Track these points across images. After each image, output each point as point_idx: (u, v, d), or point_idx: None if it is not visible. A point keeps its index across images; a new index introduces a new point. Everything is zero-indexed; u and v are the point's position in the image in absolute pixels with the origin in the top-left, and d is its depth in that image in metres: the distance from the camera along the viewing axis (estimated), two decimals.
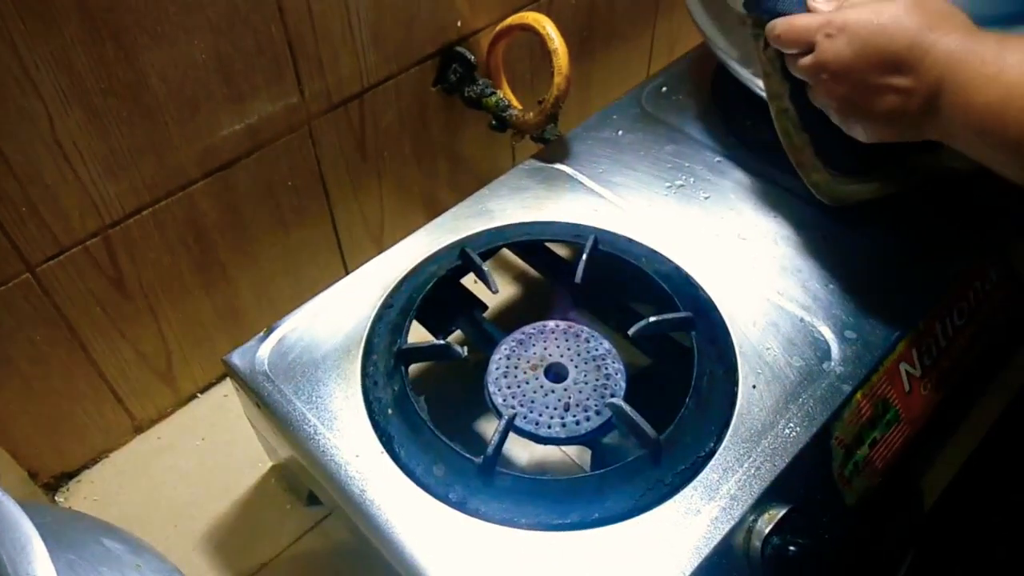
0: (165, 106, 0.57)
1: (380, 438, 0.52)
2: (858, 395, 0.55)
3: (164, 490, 0.68)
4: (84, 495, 0.68)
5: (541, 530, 0.48)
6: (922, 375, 0.59)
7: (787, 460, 0.51)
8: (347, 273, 0.63)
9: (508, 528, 0.48)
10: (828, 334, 0.57)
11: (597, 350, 0.56)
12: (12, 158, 0.51)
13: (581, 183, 0.68)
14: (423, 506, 0.49)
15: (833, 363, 0.56)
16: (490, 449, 0.50)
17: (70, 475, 0.69)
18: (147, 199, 0.60)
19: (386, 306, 0.59)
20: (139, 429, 0.72)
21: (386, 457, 0.51)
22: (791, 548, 0.48)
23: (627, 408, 0.51)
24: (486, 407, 0.55)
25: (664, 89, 0.77)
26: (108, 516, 0.50)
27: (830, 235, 0.63)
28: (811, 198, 0.65)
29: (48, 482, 0.68)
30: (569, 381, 0.55)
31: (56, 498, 0.68)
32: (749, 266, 0.62)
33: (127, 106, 0.55)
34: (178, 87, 0.57)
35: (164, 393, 0.72)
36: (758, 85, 0.65)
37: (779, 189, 0.67)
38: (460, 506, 0.49)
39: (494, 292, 0.59)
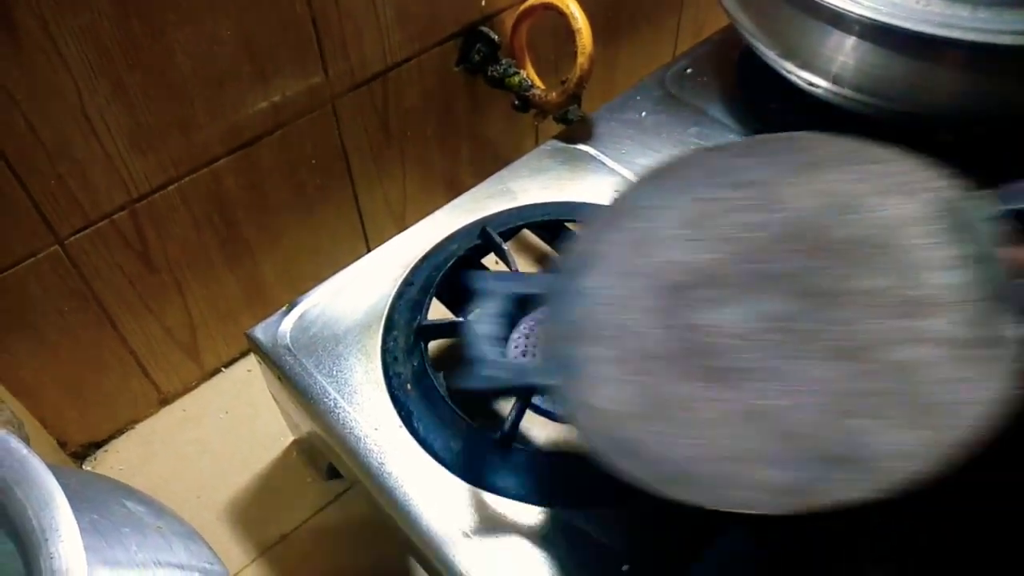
0: (190, 82, 0.57)
1: (399, 412, 0.53)
2: None
3: (188, 461, 0.70)
4: (111, 464, 0.70)
5: (556, 506, 0.48)
6: None
7: None
8: (369, 251, 0.63)
9: (524, 504, 0.49)
10: None
11: None
12: (42, 132, 0.52)
13: (603, 164, 0.68)
14: (440, 480, 0.50)
15: None
16: (507, 425, 0.50)
17: (97, 445, 0.71)
18: (173, 174, 0.61)
19: (407, 283, 0.60)
20: (165, 401, 0.74)
21: (404, 431, 0.52)
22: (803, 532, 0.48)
23: None
24: None
25: (689, 71, 0.77)
26: (134, 485, 0.51)
27: None
28: None
29: (76, 451, 0.70)
30: None
31: (84, 467, 0.70)
32: None
33: (154, 82, 0.56)
34: (203, 63, 0.57)
35: (189, 366, 0.73)
36: (784, 67, 0.64)
37: None
38: (477, 481, 0.49)
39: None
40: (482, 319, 0.47)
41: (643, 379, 0.42)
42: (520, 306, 0.59)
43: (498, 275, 0.49)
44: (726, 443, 0.38)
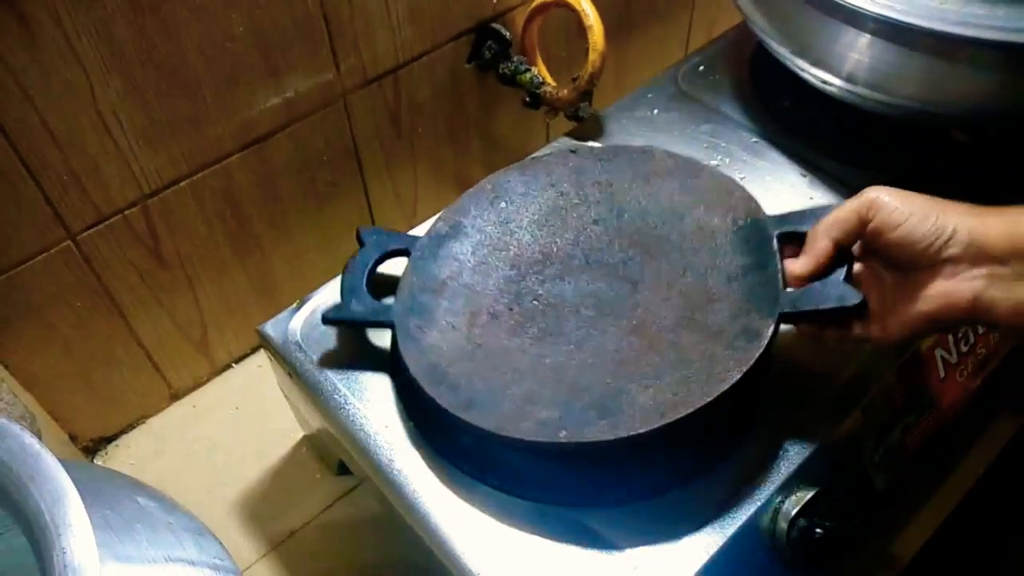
0: (203, 79, 0.57)
1: (408, 410, 0.53)
2: (891, 379, 0.54)
3: (198, 456, 0.70)
4: (121, 459, 0.70)
5: (565, 505, 0.48)
6: (957, 362, 0.58)
7: (816, 443, 0.50)
8: None
9: (533, 503, 0.48)
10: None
11: None
12: (55, 127, 0.52)
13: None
14: (449, 477, 0.50)
15: (867, 346, 0.55)
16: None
17: (108, 439, 0.71)
18: (185, 170, 0.61)
19: None
20: (175, 397, 0.74)
21: (414, 428, 0.52)
22: (818, 531, 0.48)
23: None
24: None
25: (701, 68, 0.76)
26: (144, 480, 0.52)
27: None
28: (847, 180, 0.64)
29: (87, 445, 0.70)
30: None
31: (95, 462, 0.70)
32: None
33: (166, 78, 0.56)
34: (215, 60, 0.57)
35: (200, 362, 0.73)
36: (797, 65, 0.64)
37: (815, 170, 0.66)
38: (486, 479, 0.49)
39: None
40: (358, 263, 0.54)
41: (477, 330, 0.51)
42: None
43: (377, 230, 0.57)
44: (524, 386, 0.48)
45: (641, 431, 0.44)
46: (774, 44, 0.65)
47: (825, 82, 0.62)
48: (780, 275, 0.48)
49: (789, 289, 0.48)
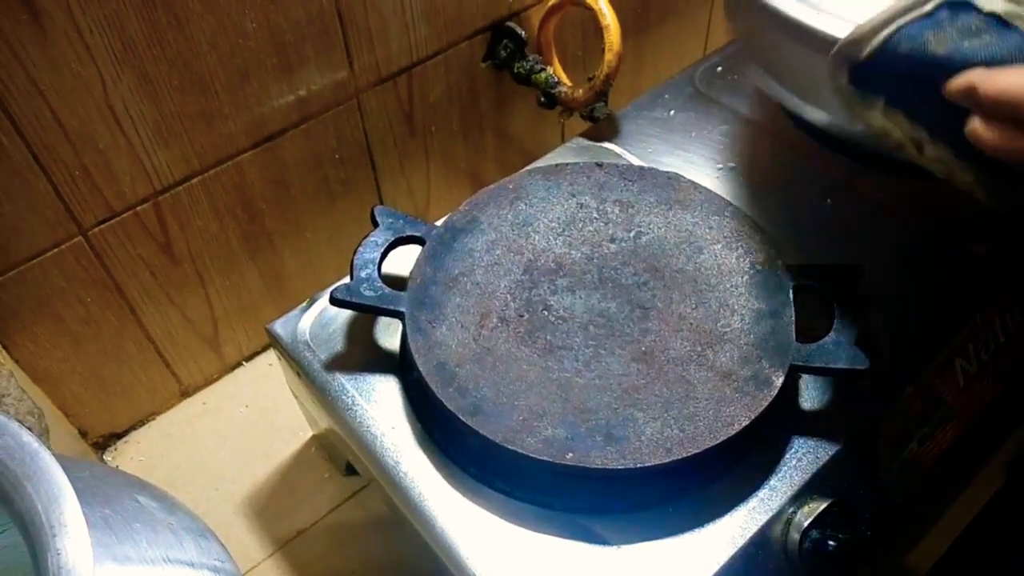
0: (216, 74, 0.57)
1: (416, 411, 0.52)
2: (909, 389, 0.53)
3: (207, 454, 0.70)
4: (131, 455, 0.70)
5: (572, 512, 0.48)
6: (978, 371, 0.57)
7: (830, 453, 0.49)
8: None
9: (540, 508, 0.48)
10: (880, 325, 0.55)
11: None
12: (66, 122, 0.52)
13: (630, 163, 0.67)
14: (456, 480, 0.49)
15: (883, 355, 0.54)
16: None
17: (118, 435, 0.71)
18: (197, 167, 0.61)
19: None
20: (185, 393, 0.74)
21: (421, 431, 0.51)
22: (830, 543, 0.47)
23: None
24: None
25: (719, 69, 0.75)
26: (153, 477, 0.52)
27: (885, 223, 0.61)
28: (866, 183, 0.63)
29: (97, 441, 0.70)
30: None
31: (105, 457, 0.70)
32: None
33: (178, 73, 0.55)
34: (228, 56, 0.57)
35: (210, 359, 0.73)
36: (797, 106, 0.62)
37: (834, 173, 0.65)
38: (492, 483, 0.49)
39: None
40: (369, 245, 0.54)
41: (486, 333, 0.51)
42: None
43: (392, 212, 0.56)
44: (530, 398, 0.48)
45: (647, 464, 0.45)
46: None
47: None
48: (793, 327, 0.49)
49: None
